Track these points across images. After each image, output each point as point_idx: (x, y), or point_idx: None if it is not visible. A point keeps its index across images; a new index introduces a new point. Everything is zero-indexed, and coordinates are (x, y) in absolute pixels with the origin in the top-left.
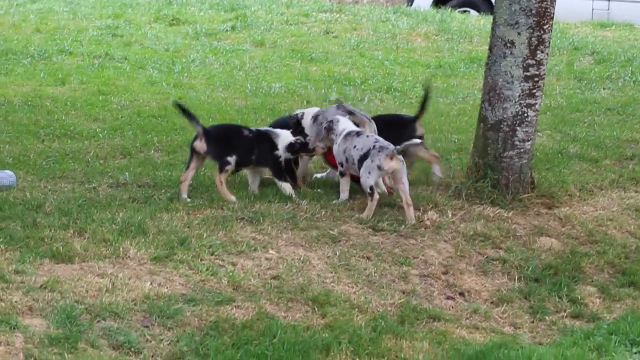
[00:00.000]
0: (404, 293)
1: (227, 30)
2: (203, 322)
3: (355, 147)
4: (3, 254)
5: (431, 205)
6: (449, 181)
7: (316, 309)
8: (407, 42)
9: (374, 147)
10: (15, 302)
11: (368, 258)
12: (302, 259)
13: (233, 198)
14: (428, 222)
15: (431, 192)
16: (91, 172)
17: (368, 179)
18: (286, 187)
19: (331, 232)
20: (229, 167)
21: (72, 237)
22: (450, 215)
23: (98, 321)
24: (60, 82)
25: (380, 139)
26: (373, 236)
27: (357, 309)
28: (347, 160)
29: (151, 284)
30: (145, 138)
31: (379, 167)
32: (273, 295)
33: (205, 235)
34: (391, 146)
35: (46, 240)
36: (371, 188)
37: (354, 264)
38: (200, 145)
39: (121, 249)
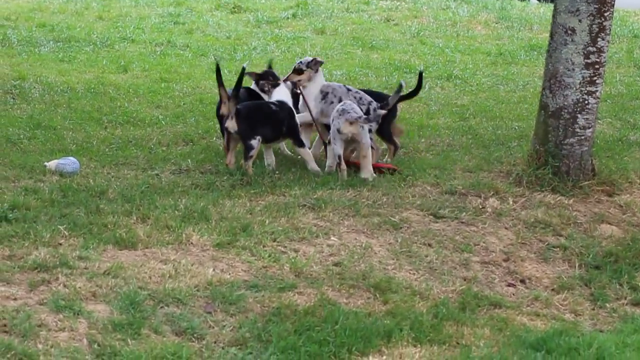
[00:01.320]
0: (465, 280)
1: (288, 18)
2: (265, 309)
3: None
4: (67, 240)
5: (492, 192)
6: (510, 168)
7: (378, 295)
8: (468, 30)
9: (336, 112)
10: (79, 288)
11: (429, 245)
12: (363, 245)
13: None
14: (489, 209)
15: (492, 179)
16: (154, 158)
17: (335, 145)
18: None
19: (392, 218)
20: None
21: (135, 224)
22: (511, 203)
23: (161, 307)
24: (122, 69)
25: (347, 105)
26: (434, 223)
27: (418, 296)
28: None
29: (214, 270)
30: (207, 125)
31: (339, 131)
32: (335, 281)
33: (267, 221)
34: (354, 113)
35: (109, 226)
36: (339, 157)
37: (416, 251)
38: None
39: (184, 235)
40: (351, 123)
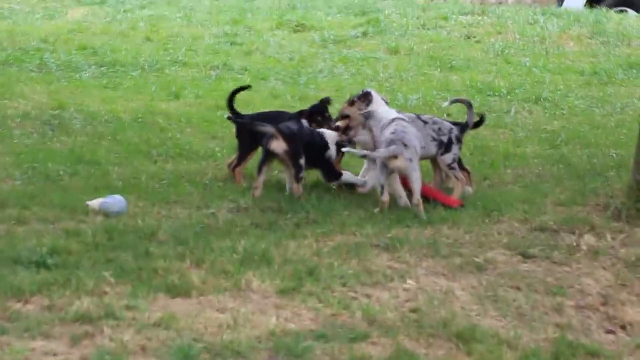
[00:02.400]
0: (558, 327)
1: (357, 37)
2: None
3: None
4: (113, 288)
5: (587, 228)
6: (608, 201)
7: (461, 345)
8: (558, 46)
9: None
10: (127, 341)
11: (517, 288)
12: (444, 289)
13: None
14: (584, 247)
15: (587, 214)
16: (209, 195)
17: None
18: None
19: (476, 259)
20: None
21: (188, 269)
22: (609, 239)
23: None
24: (173, 96)
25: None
26: (522, 263)
27: (506, 345)
28: None
29: (277, 319)
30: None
31: (383, 164)
32: (412, 330)
33: (336, 264)
34: (399, 146)
35: (160, 272)
36: (381, 187)
37: (502, 295)
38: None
39: (243, 280)
40: (396, 157)
